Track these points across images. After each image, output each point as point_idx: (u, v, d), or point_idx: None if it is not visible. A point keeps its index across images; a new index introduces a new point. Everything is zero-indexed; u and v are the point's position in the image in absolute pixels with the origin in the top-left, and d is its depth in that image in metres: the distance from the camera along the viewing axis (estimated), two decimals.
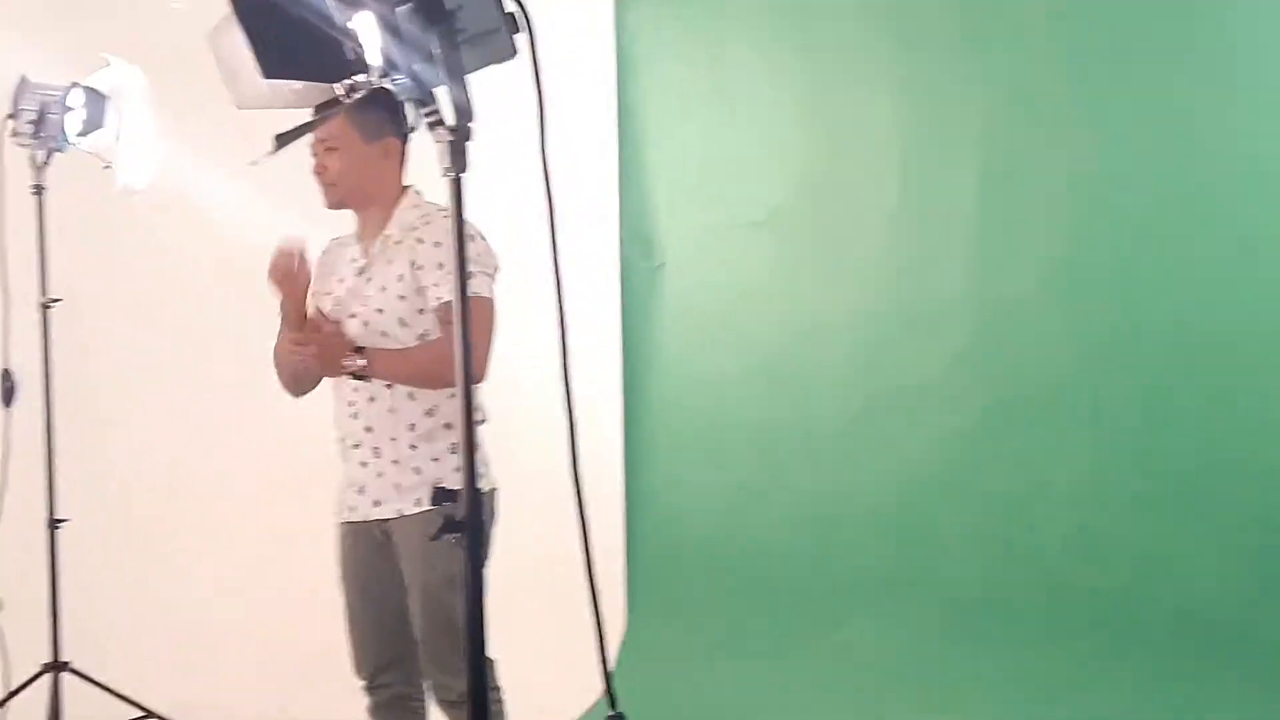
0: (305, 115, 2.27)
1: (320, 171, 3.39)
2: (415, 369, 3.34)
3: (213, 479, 5.18)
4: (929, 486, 4.40)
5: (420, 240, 3.35)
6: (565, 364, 2.19)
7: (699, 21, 4.71)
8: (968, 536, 4.34)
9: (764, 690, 4.44)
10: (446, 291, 3.27)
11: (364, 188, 3.43)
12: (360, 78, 2.01)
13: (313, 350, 3.29)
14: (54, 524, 4.16)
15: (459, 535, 2.12)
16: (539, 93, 2.03)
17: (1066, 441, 4.23)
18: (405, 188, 3.48)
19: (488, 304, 3.32)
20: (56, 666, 4.15)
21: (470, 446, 2.14)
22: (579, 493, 2.16)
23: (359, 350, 3.30)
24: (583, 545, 2.15)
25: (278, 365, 3.49)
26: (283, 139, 2.01)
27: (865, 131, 4.52)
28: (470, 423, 2.14)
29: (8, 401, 4.06)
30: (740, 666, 4.51)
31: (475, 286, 3.26)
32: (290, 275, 3.37)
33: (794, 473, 4.59)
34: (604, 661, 2.25)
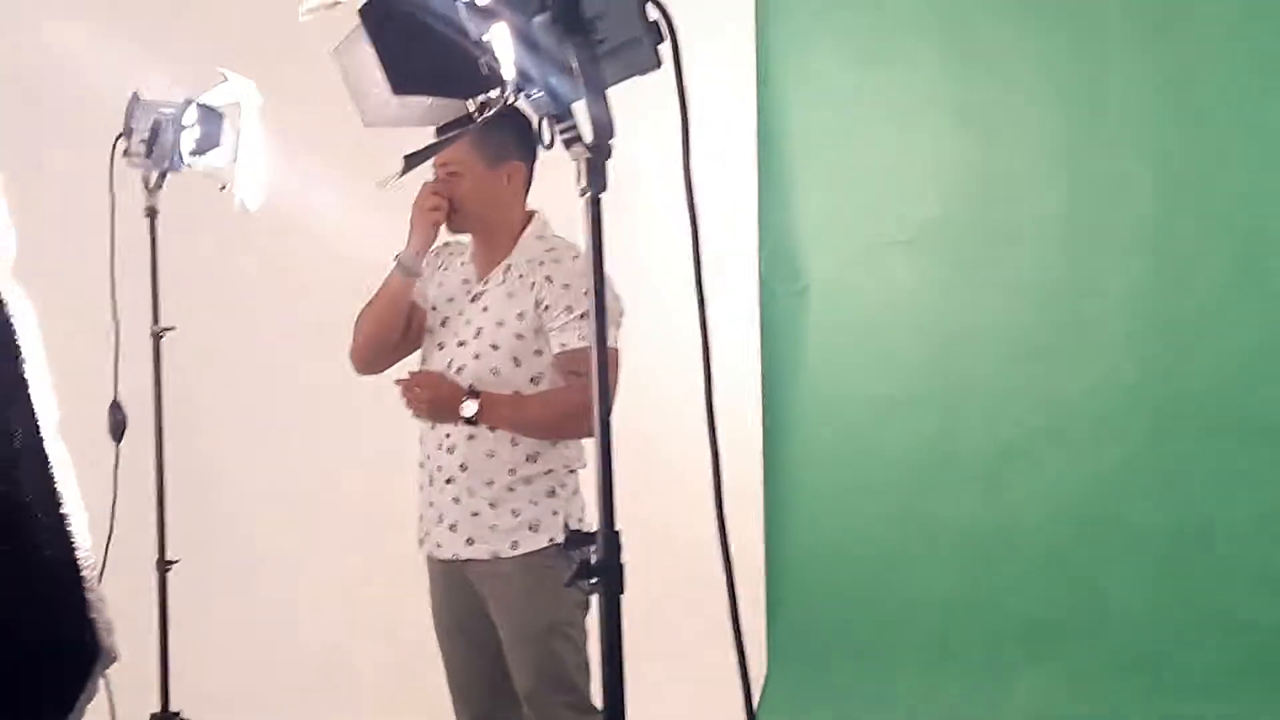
0: (429, 135, 2.31)
1: (441, 197, 3.43)
2: (532, 421, 3.36)
3: (331, 516, 5.24)
4: (1096, 521, 4.33)
5: (549, 279, 3.36)
6: (709, 397, 2.16)
7: (844, 27, 4.69)
8: (1140, 576, 4.26)
9: None
10: (573, 339, 3.29)
11: (486, 214, 3.46)
12: (493, 93, 2.03)
13: (426, 395, 3.33)
14: (164, 565, 4.22)
15: (595, 581, 2.12)
16: (683, 106, 2.02)
17: (1247, 470, 4.14)
18: (531, 214, 3.50)
19: (613, 354, 3.33)
20: (166, 717, 4.21)
21: (609, 487, 2.13)
22: (723, 530, 2.14)
23: (473, 394, 3.32)
24: (728, 587, 2.13)
25: (358, 332, 3.53)
26: (411, 160, 2.03)
27: (1025, 139, 4.47)
28: (609, 463, 2.14)
29: (117, 436, 4.11)
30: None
31: None
32: (429, 211, 3.41)
33: (949, 507, 4.54)
34: (750, 714, 2.23)
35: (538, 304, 3.36)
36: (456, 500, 3.42)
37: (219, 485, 5.24)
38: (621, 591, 2.11)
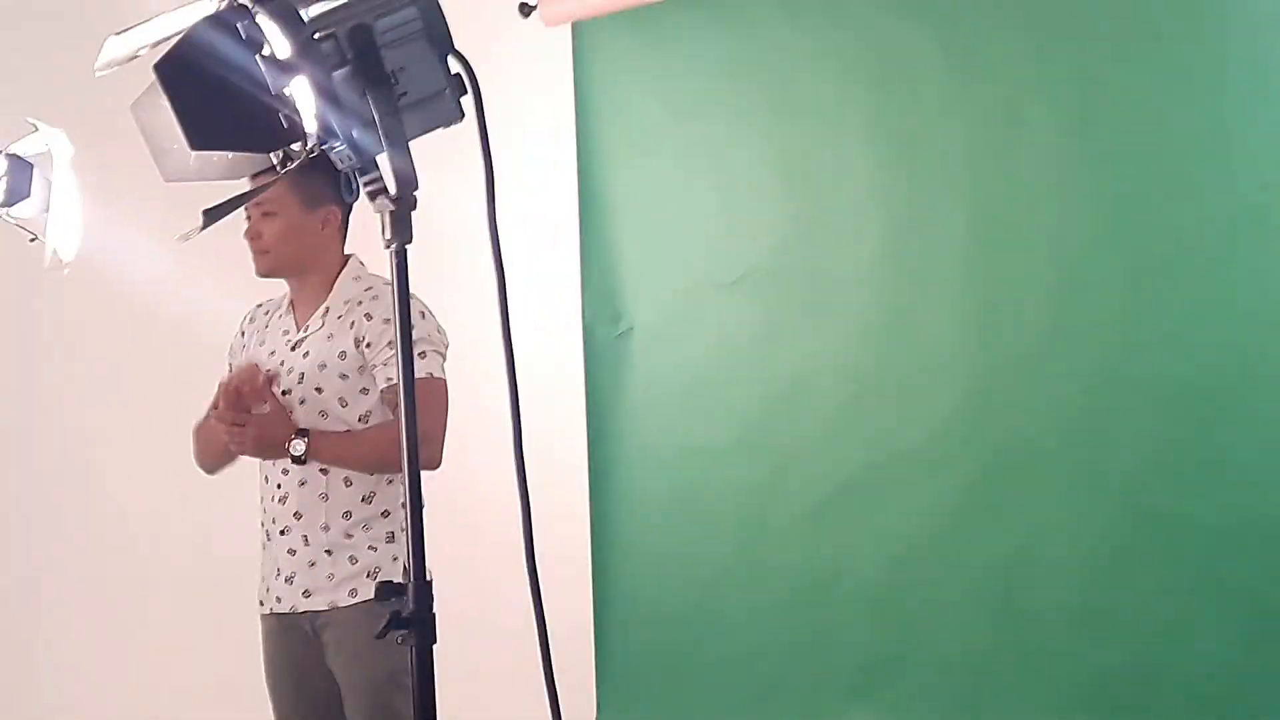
0: (239, 184, 2.29)
1: (254, 237, 3.42)
2: (363, 454, 3.34)
3: (159, 571, 5.16)
4: (923, 562, 4.39)
5: (368, 316, 3.38)
6: (518, 442, 2.19)
7: (664, 75, 4.75)
8: (968, 616, 4.33)
9: None
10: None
11: (301, 256, 3.46)
12: (295, 146, 2.03)
13: (251, 433, 3.30)
14: None
15: (407, 632, 2.12)
16: (486, 155, 2.04)
17: (1067, 508, 4.23)
18: (347, 257, 3.50)
19: (441, 385, 3.34)
20: None
21: (419, 536, 2.14)
22: (535, 582, 2.16)
23: (300, 432, 3.31)
24: (541, 637, 2.14)
25: (198, 440, 3.49)
26: (211, 214, 2.01)
27: (842, 183, 4.55)
28: (419, 511, 2.14)
29: None
30: None
31: (427, 366, 3.29)
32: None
33: (777, 551, 4.58)
34: None
35: (358, 342, 3.37)
36: (292, 551, 3.39)
37: (49, 537, 5.13)
38: (433, 643, 2.11)
